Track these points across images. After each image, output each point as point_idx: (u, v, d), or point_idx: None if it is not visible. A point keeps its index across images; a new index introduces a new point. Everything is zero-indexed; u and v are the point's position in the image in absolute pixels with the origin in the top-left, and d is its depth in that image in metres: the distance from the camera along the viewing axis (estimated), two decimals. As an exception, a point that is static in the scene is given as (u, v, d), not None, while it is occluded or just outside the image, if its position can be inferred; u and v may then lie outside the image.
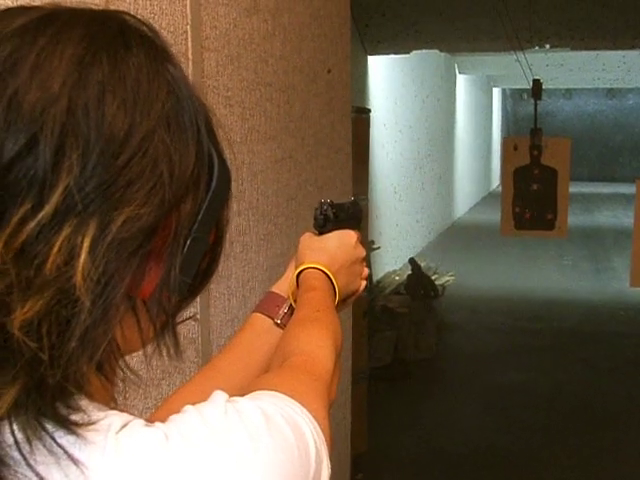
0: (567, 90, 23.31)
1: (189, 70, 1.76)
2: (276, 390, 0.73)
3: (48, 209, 0.58)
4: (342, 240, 1.23)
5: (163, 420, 0.64)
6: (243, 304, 2.07)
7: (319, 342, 0.97)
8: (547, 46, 7.23)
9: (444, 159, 13.79)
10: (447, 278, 9.36)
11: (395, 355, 6.41)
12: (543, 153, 6.02)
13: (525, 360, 6.64)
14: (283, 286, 1.22)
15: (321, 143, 2.67)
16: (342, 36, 2.87)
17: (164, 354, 0.70)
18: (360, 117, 4.29)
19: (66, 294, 0.59)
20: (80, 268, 0.59)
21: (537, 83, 6.02)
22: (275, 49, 2.25)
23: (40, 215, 0.58)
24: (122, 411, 0.64)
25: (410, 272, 7.85)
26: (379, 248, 7.92)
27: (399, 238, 10.22)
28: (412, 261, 7.99)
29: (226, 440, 0.62)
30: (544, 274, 10.30)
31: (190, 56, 1.76)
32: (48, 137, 0.59)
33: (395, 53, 8.17)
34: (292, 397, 0.72)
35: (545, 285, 9.61)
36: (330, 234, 1.24)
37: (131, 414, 0.64)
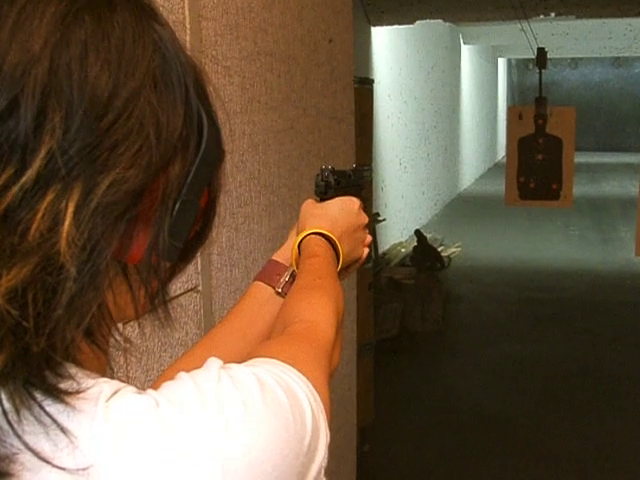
0: (573, 59, 23.12)
1: (187, 39, 1.73)
2: (275, 358, 0.72)
3: (30, 173, 0.57)
4: (344, 206, 1.21)
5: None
6: (246, 275, 2.06)
7: (320, 310, 0.96)
8: (552, 14, 7.16)
9: (449, 130, 13.73)
10: (453, 249, 9.36)
11: (401, 326, 6.41)
12: (548, 122, 5.98)
13: (531, 330, 6.64)
14: (285, 254, 1.20)
15: (323, 113, 2.64)
16: (344, 5, 2.83)
17: (156, 323, 0.69)
18: (363, 88, 4.24)
19: (51, 261, 0.57)
20: (64, 234, 0.57)
21: (542, 51, 5.97)
22: (275, 18, 2.22)
23: (23, 180, 0.56)
24: (123, 381, 0.63)
25: (416, 244, 7.85)
26: (385, 220, 7.91)
27: (405, 210, 10.20)
28: (418, 233, 7.98)
29: (218, 406, 0.61)
30: (550, 245, 10.27)
31: (188, 25, 1.74)
32: (29, 99, 0.57)
33: (399, 24, 8.11)
34: (291, 365, 0.71)
35: (551, 255, 9.59)
36: (332, 200, 1.22)
37: (122, 381, 0.63)
